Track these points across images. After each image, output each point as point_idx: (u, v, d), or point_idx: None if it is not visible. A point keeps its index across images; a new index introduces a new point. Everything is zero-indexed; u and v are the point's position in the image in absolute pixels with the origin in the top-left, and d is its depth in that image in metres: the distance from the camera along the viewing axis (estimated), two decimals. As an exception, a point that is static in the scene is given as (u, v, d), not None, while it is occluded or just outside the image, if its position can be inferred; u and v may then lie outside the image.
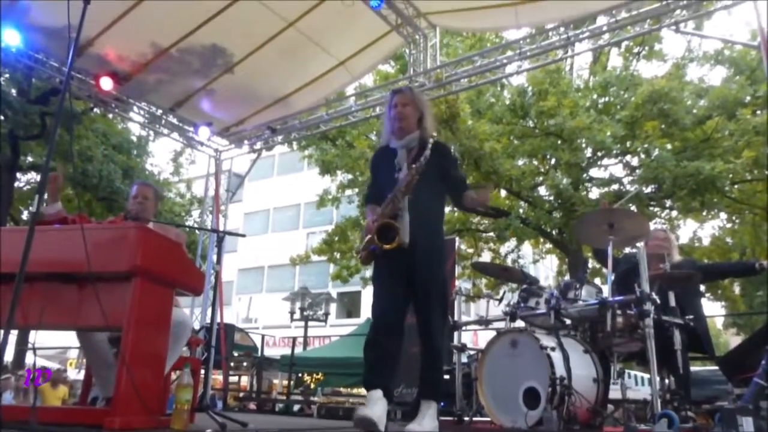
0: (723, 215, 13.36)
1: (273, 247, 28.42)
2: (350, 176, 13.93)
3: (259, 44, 6.88)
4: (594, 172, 13.01)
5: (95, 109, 12.84)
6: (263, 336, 15.08)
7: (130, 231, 2.76)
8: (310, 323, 15.47)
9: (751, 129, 9.95)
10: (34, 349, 4.38)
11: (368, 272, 15.69)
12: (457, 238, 13.17)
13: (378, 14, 6.51)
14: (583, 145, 11.76)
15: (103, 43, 6.53)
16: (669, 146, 11.10)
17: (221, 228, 8.61)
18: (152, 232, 3.03)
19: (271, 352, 16.62)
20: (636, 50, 13.59)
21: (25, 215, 15.48)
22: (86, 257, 2.46)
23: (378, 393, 2.97)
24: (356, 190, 13.92)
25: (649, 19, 6.24)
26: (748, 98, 10.93)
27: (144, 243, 2.68)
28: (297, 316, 15.64)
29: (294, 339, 13.27)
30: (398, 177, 3.18)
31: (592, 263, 10.26)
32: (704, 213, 12.86)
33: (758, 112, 10.47)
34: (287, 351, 13.95)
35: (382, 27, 6.92)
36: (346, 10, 6.04)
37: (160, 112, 8.08)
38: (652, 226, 4.77)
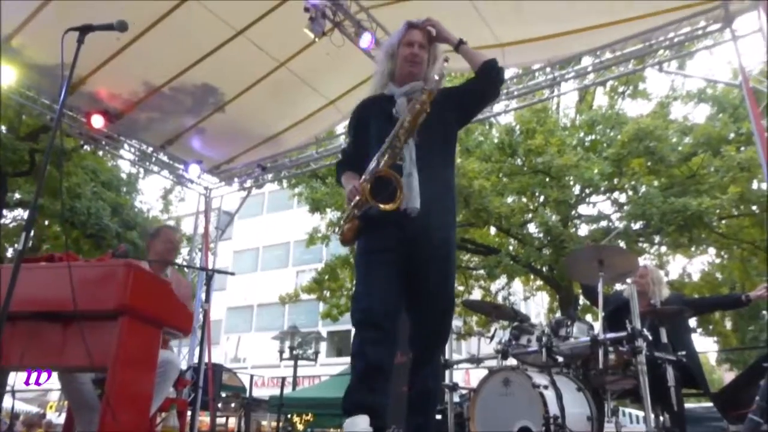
0: (712, 251, 13.47)
1: (262, 286, 28.21)
2: (340, 214, 13.94)
3: (250, 83, 6.96)
4: (582, 209, 13.14)
5: (85, 147, 12.86)
6: (252, 376, 14.81)
7: (118, 269, 2.72)
8: (299, 363, 15.24)
9: (736, 165, 10.12)
10: (13, 392, 4.28)
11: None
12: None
13: (368, 55, 6.61)
14: (571, 183, 11.89)
15: (96, 81, 6.57)
16: (656, 183, 11.26)
17: (210, 266, 8.56)
18: (142, 269, 3.00)
19: (260, 392, 16.32)
20: (621, 89, 13.89)
21: (10, 253, 15.31)
22: (72, 295, 2.43)
23: (363, 420, 2.28)
24: (346, 227, 13.90)
25: (633, 60, 6.39)
26: (732, 135, 11.15)
27: (132, 281, 2.65)
28: (286, 355, 15.41)
29: (283, 379, 13.04)
30: None
31: (582, 300, 10.26)
32: (693, 249, 12.96)
33: (742, 148, 10.67)
34: (276, 391, 13.70)
35: (371, 67, 7.01)
36: (336, 51, 6.13)
37: (150, 149, 8.10)
38: (641, 262, 4.79)
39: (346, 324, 17.58)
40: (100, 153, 13.43)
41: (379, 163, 2.43)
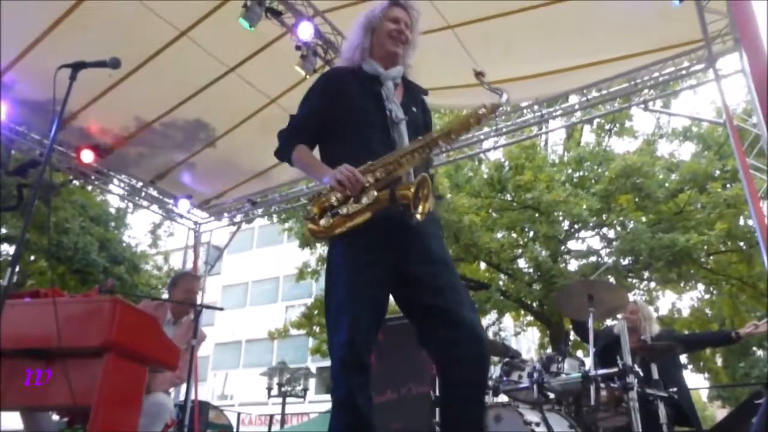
0: (701, 286, 13.50)
1: (251, 321, 27.90)
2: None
3: (241, 119, 7.00)
4: (572, 245, 13.18)
5: (74, 181, 12.82)
6: (239, 414, 14.50)
7: (105, 304, 2.69)
8: (288, 399, 14.98)
9: (722, 202, 10.24)
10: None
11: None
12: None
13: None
14: (560, 218, 11.96)
15: (87, 117, 6.59)
16: (644, 219, 11.35)
17: (198, 301, 8.45)
18: (128, 305, 2.96)
19: (248, 430, 16.00)
20: (607, 127, 14.10)
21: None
22: (57, 332, 2.39)
23: None
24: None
25: (618, 98, 6.52)
26: (718, 172, 11.31)
27: (118, 317, 2.62)
28: (274, 392, 15.16)
29: (271, 416, 12.84)
30: (395, 116, 2.22)
31: (573, 335, 10.22)
32: (682, 284, 13.00)
33: (728, 185, 10.81)
34: (264, 429, 13.44)
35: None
36: (327, 88, 6.21)
37: (140, 184, 8.09)
38: (630, 298, 4.80)
39: (335, 360, 17.37)
40: (89, 188, 13.38)
41: (406, 160, 2.08)
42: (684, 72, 6.00)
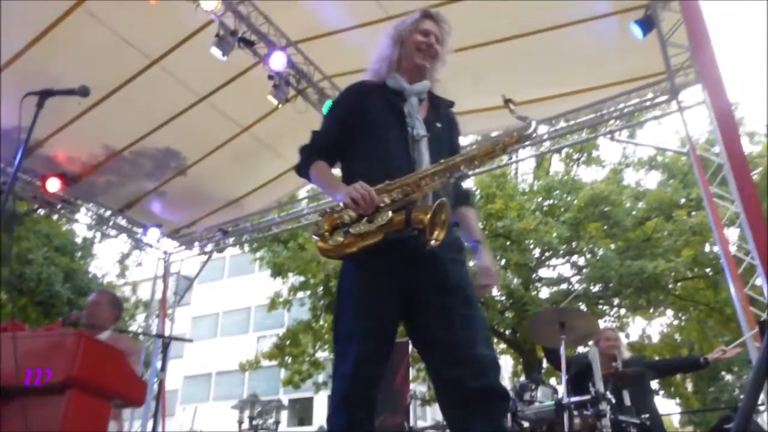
0: (669, 312, 13.71)
1: (221, 353, 27.35)
2: (302, 278, 13.80)
3: (213, 148, 6.96)
4: (543, 272, 13.29)
5: (39, 210, 12.54)
6: (208, 449, 14.14)
7: (67, 338, 2.61)
8: (259, 434, 14.64)
9: (688, 229, 10.48)
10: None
11: (321, 377, 15.21)
12: (410, 341, 13.01)
13: (331, 121, 6.73)
14: (531, 246, 12.08)
15: (54, 145, 6.47)
16: (612, 246, 11.51)
17: (167, 333, 8.27)
18: (91, 339, 2.88)
19: (217, 466, 15.53)
20: (576, 156, 14.38)
21: (-47, 322, 14.54)
22: (15, 369, 2.30)
23: None
24: (308, 292, 13.75)
25: (586, 128, 6.67)
26: (683, 200, 11.59)
27: (82, 351, 2.53)
28: (246, 425, 14.76)
29: (241, 452, 12.47)
30: (415, 135, 2.11)
31: (546, 363, 10.24)
32: (651, 310, 13.18)
33: (693, 213, 11.06)
34: (233, 465, 13.06)
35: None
36: (299, 117, 6.22)
37: (108, 213, 7.94)
38: (601, 324, 4.84)
39: (308, 391, 17.11)
40: (55, 217, 13.10)
41: (425, 182, 1.98)
42: (648, 103, 6.17)
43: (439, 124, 2.21)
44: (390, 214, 1.91)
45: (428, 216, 1.86)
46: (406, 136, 2.11)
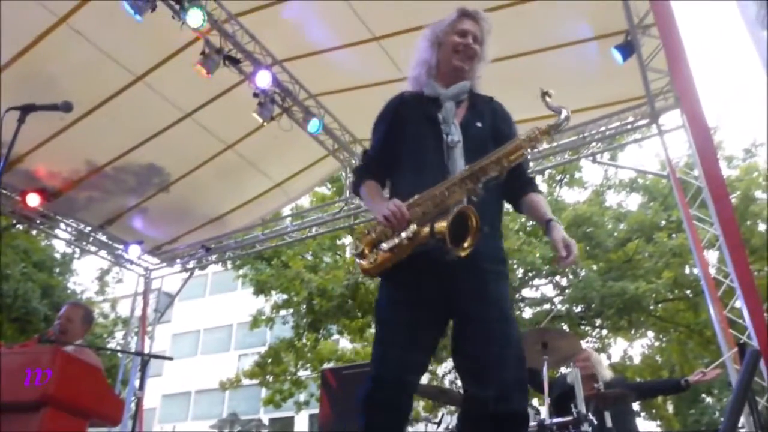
0: (651, 334, 13.80)
1: (201, 371, 26.93)
2: (285, 296, 13.71)
3: (196, 164, 6.94)
4: (526, 292, 13.34)
5: (18, 225, 12.35)
6: (186, 471, 13.88)
7: (43, 356, 2.56)
8: (238, 454, 14.41)
9: (668, 251, 10.60)
10: None
11: (302, 396, 15.05)
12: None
13: (316, 139, 6.75)
14: (515, 266, 12.14)
15: (35, 159, 6.41)
16: (595, 267, 11.61)
17: (146, 350, 8.15)
18: (68, 356, 2.83)
19: (194, 488, 15.24)
20: (558, 177, 14.52)
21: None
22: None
23: None
24: (291, 310, 13.66)
25: (568, 150, 6.75)
26: (663, 222, 11.73)
27: (58, 369, 2.49)
28: (224, 446, 14.58)
29: (220, 473, 12.26)
30: (449, 142, 2.06)
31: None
32: (633, 331, 13.25)
33: (673, 235, 11.20)
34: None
35: (319, 151, 7.15)
36: (284, 135, 6.23)
37: (88, 229, 7.85)
38: (583, 345, 4.85)
39: (288, 410, 16.88)
40: (34, 232, 12.90)
41: (450, 192, 1.94)
42: (629, 126, 6.28)
43: (479, 123, 2.15)
44: (414, 227, 1.92)
45: (447, 224, 1.84)
46: (442, 144, 2.07)
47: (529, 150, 2.05)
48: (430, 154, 2.07)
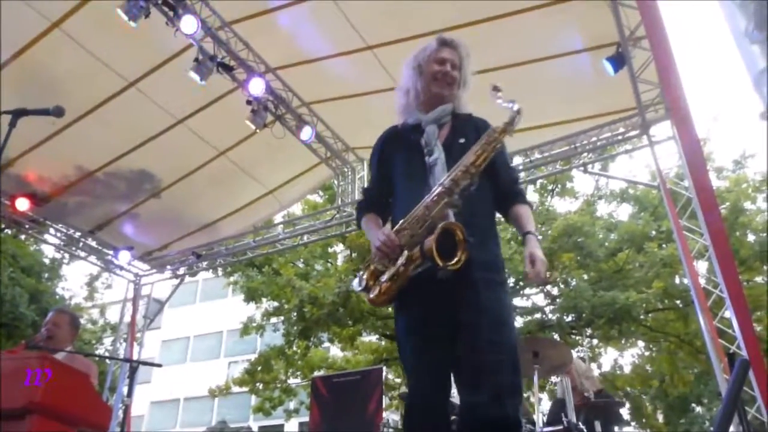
0: (641, 343, 13.83)
1: (191, 378, 26.72)
2: (276, 304, 13.65)
3: (188, 171, 6.92)
4: (517, 302, 13.34)
5: (6, 230, 12.25)
6: (173, 479, 13.74)
7: (30, 362, 2.53)
8: (226, 463, 14.27)
9: (659, 261, 10.64)
10: None
11: (292, 404, 14.95)
12: (384, 368, 12.90)
13: (308, 147, 6.75)
14: (506, 275, 12.14)
15: (25, 164, 6.37)
16: (585, 276, 11.63)
17: (135, 357, 8.09)
18: (56, 362, 2.80)
19: (182, 497, 15.08)
20: (550, 187, 14.58)
21: None
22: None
23: None
24: (281, 318, 13.60)
25: (560, 160, 6.78)
26: (654, 233, 11.78)
27: (45, 376, 2.46)
28: (213, 454, 14.43)
29: (208, 482, 12.13)
30: (430, 162, 2.13)
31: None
32: (623, 341, 13.28)
33: (664, 245, 11.25)
34: (199, 496, 12.70)
35: (311, 159, 7.16)
36: (277, 142, 6.23)
37: (78, 234, 7.80)
38: (574, 354, 4.85)
39: (278, 418, 16.78)
40: (23, 237, 12.80)
41: (430, 210, 1.98)
42: (620, 137, 6.31)
43: (462, 140, 2.20)
44: (406, 252, 1.96)
45: (434, 242, 1.87)
46: (425, 167, 2.14)
47: (492, 153, 2.10)
48: (415, 178, 2.13)
